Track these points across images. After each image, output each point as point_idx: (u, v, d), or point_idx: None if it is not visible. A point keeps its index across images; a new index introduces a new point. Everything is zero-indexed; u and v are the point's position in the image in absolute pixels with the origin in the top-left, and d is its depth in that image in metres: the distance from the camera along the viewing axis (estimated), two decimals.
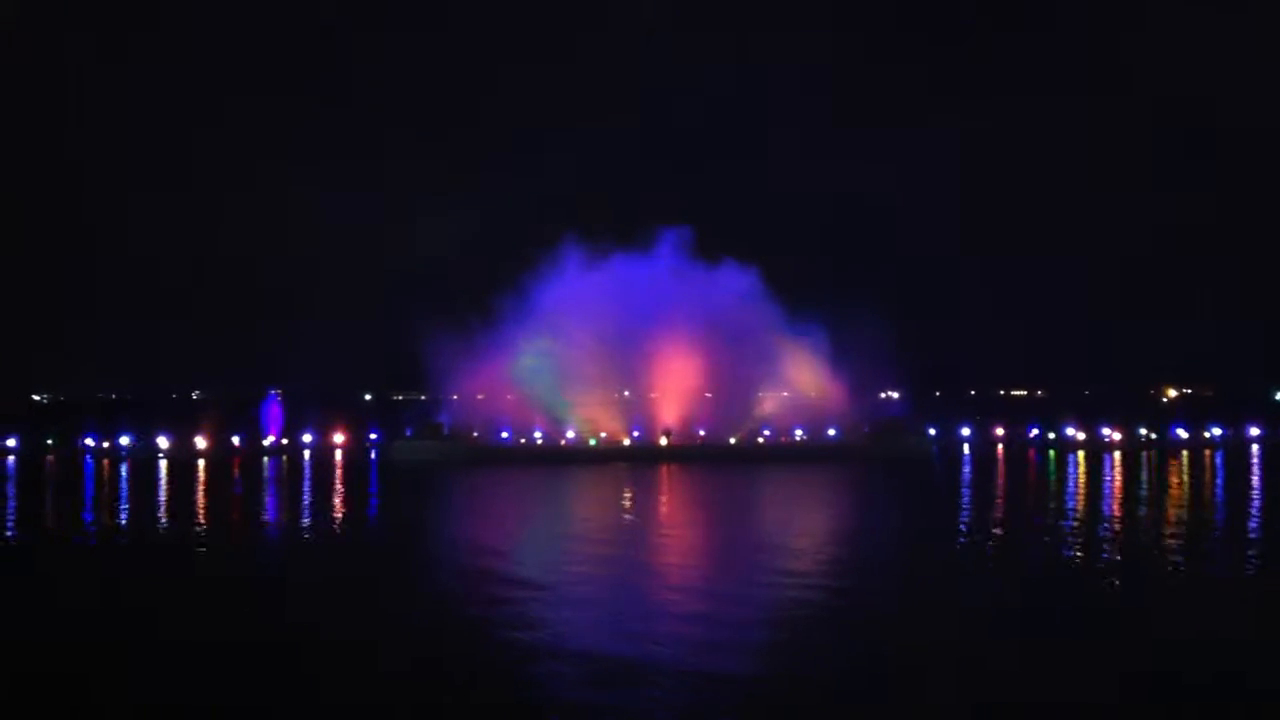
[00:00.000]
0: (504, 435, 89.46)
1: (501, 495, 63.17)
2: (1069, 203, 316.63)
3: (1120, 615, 29.07)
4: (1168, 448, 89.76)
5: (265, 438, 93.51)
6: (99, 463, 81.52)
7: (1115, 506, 53.10)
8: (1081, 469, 74.18)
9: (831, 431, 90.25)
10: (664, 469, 77.59)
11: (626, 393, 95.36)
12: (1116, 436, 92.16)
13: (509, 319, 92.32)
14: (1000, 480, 69.42)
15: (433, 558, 40.16)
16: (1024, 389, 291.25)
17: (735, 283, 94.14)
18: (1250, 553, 39.28)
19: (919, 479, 70.02)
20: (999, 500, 57.80)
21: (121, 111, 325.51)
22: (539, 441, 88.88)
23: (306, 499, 59.37)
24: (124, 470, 75.76)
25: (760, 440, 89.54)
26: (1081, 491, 60.85)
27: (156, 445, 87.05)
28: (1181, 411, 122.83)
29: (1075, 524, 46.67)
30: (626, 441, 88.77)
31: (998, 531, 45.30)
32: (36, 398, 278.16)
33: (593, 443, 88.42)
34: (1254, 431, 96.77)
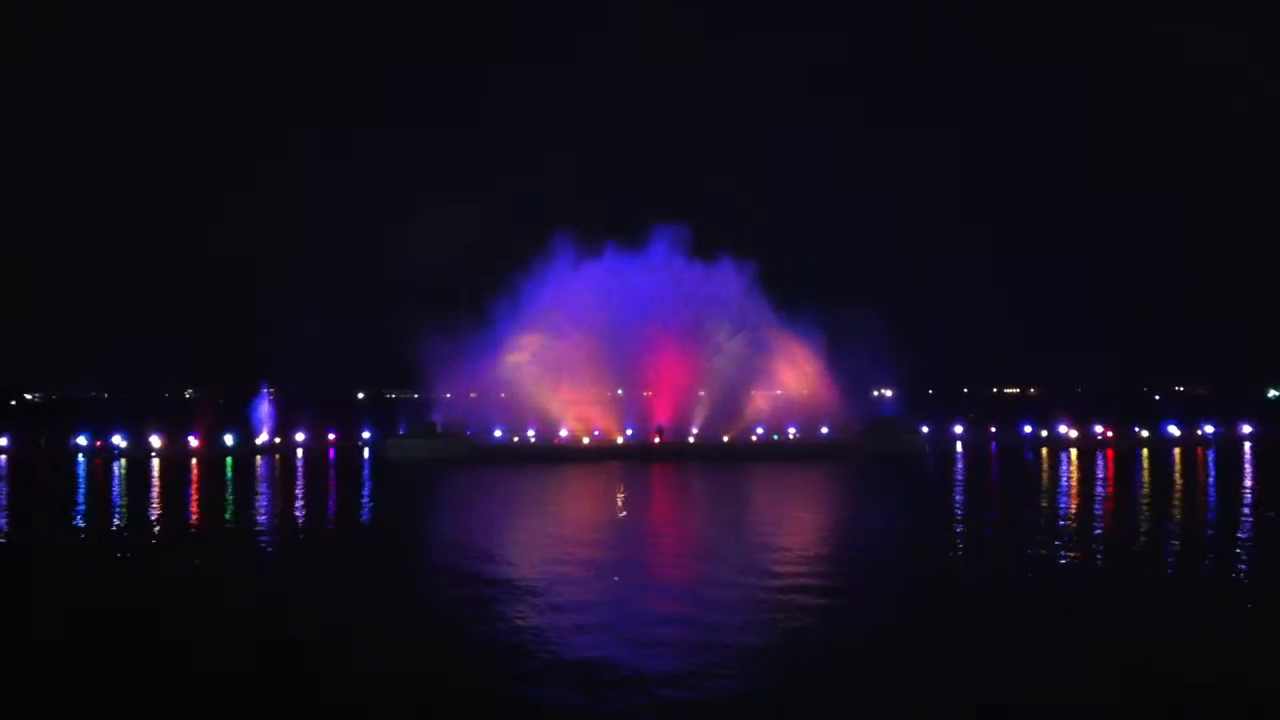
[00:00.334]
0: (497, 434, 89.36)
1: (492, 494, 62.95)
2: (1068, 203, 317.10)
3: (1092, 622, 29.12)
4: (1160, 445, 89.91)
5: (258, 436, 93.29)
6: (91, 462, 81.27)
7: (1104, 505, 53.18)
8: (1074, 467, 74.26)
9: (824, 430, 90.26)
10: (657, 467, 77.50)
11: (620, 391, 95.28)
12: (1109, 434, 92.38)
13: (502, 318, 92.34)
14: (991, 478, 69.50)
15: (415, 560, 39.73)
16: (1017, 387, 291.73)
17: (729, 281, 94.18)
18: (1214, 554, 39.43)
19: (909, 477, 70.07)
20: (987, 500, 57.86)
21: (121, 110, 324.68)
22: (532, 440, 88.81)
23: (295, 498, 59.26)
24: (116, 469, 75.57)
25: (753, 439, 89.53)
26: (1073, 490, 60.94)
27: (149, 444, 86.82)
28: (1174, 410, 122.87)
29: (1050, 524, 46.77)
30: (620, 440, 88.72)
31: (983, 533, 45.36)
32: (29, 397, 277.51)
33: (586, 441, 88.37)
34: (1246, 429, 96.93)
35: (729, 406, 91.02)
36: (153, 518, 51.05)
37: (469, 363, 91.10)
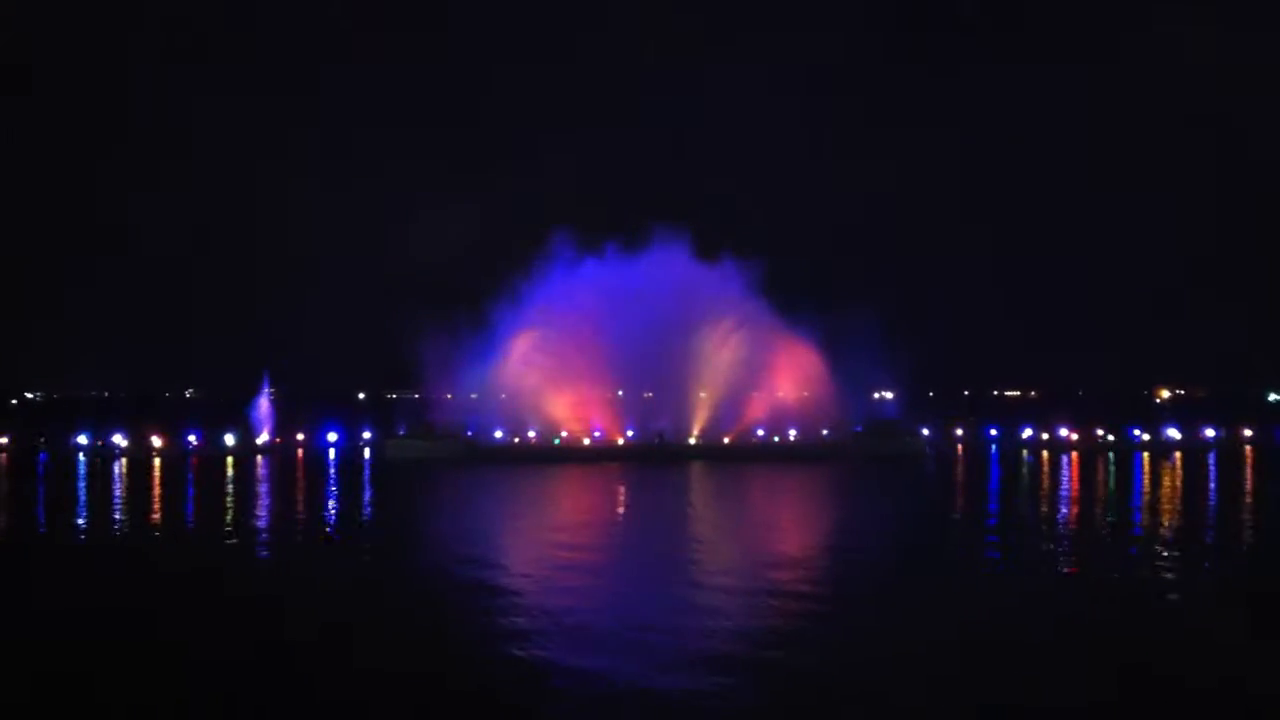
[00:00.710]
0: (497, 434, 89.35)
1: (490, 496, 62.84)
2: (1068, 202, 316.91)
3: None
4: (1160, 448, 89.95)
5: (258, 436, 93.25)
6: (91, 461, 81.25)
7: (1108, 509, 53.20)
8: (1074, 469, 74.28)
9: (824, 431, 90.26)
10: (657, 468, 77.45)
11: (620, 392, 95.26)
12: (1110, 437, 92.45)
13: (502, 318, 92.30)
14: (990, 482, 69.49)
15: (409, 563, 39.30)
16: (1017, 389, 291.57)
17: (730, 283, 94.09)
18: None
19: (909, 479, 70.09)
20: (986, 503, 57.88)
21: (121, 109, 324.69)
22: (532, 440, 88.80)
23: (294, 498, 59.32)
24: (116, 468, 75.58)
25: (754, 440, 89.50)
26: (1073, 494, 60.97)
27: (149, 443, 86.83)
28: (1175, 413, 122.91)
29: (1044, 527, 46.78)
30: (620, 441, 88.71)
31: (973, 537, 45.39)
32: (30, 395, 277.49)
33: (586, 442, 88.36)
34: (1247, 433, 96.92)
35: (729, 408, 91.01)
36: (139, 518, 51.09)
37: (469, 363, 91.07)
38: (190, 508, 56.05)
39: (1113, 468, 74.91)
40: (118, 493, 61.70)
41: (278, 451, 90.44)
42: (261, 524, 49.11)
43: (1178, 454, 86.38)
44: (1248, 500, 57.37)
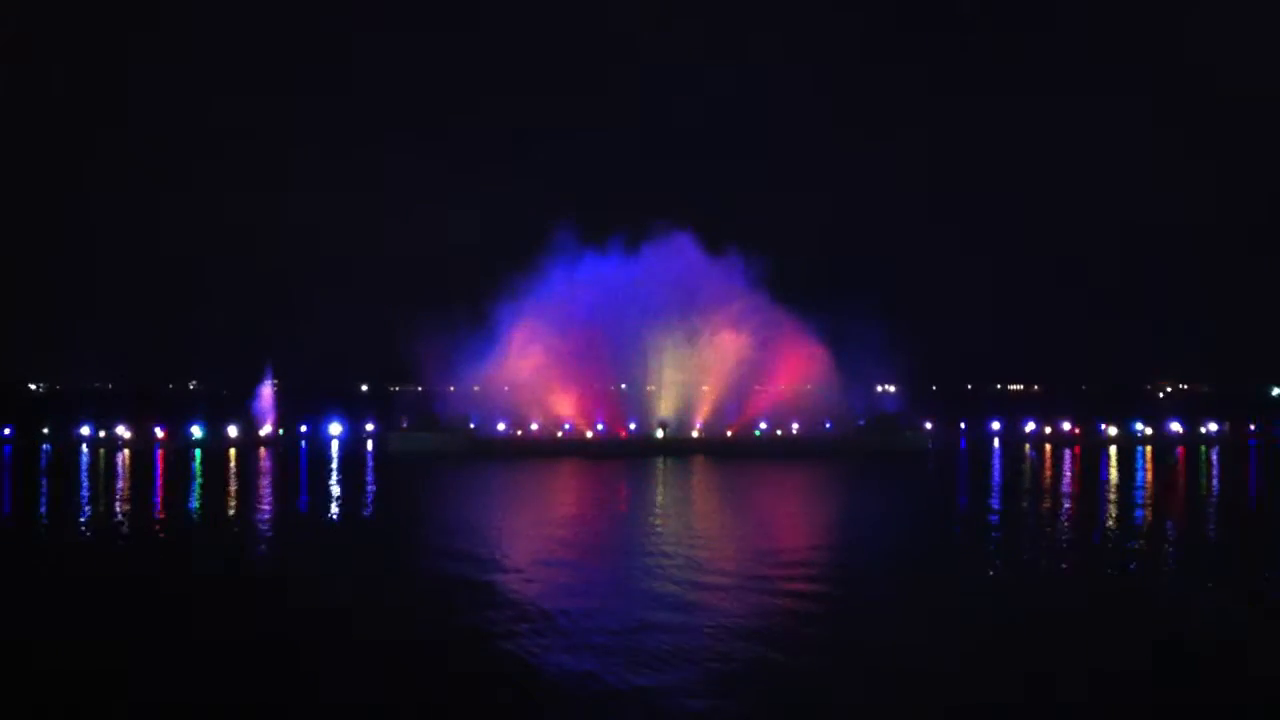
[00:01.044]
0: (500, 427, 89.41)
1: (489, 489, 62.94)
2: (1069, 199, 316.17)
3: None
4: (1163, 443, 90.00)
5: (262, 428, 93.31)
6: (94, 453, 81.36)
7: (1110, 505, 53.19)
8: (1076, 464, 74.27)
9: (827, 426, 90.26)
10: (660, 462, 77.59)
11: (623, 386, 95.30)
12: (1112, 432, 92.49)
13: (505, 312, 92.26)
14: (994, 476, 69.49)
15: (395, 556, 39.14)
16: (1021, 384, 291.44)
17: (733, 277, 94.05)
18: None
19: (912, 474, 70.09)
20: (988, 498, 57.87)
21: (121, 108, 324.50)
22: (536, 434, 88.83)
23: (290, 490, 59.43)
24: (119, 461, 75.70)
25: (756, 434, 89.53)
26: (1074, 489, 60.96)
27: (152, 435, 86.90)
28: (1178, 408, 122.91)
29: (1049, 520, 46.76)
30: (623, 434, 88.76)
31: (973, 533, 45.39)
32: (33, 387, 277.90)
33: (589, 436, 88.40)
34: (1250, 427, 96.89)
35: (732, 402, 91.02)
36: (131, 511, 51.22)
37: (472, 357, 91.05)
38: (193, 499, 56.08)
39: (1113, 462, 74.94)
40: (120, 486, 61.78)
41: (280, 444, 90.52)
42: (264, 515, 49.25)
43: (1180, 449, 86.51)
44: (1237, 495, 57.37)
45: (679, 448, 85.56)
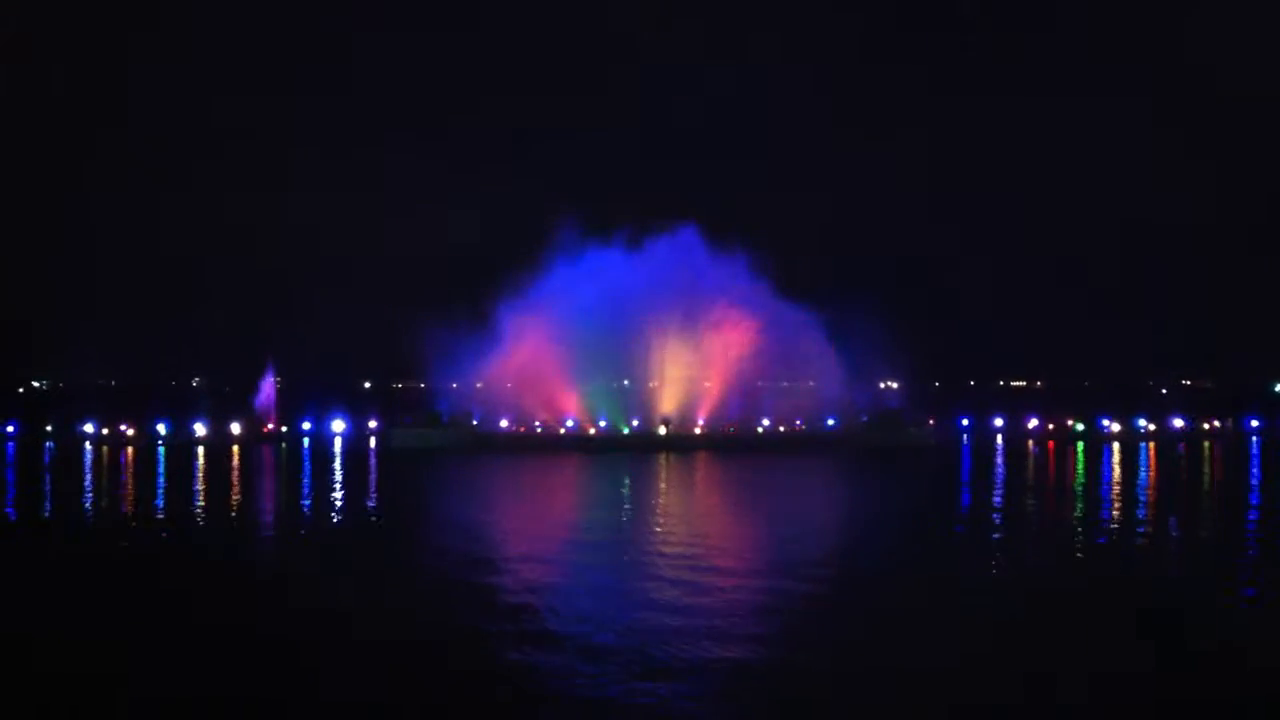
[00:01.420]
0: (503, 423, 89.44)
1: (493, 485, 63.05)
2: (1071, 196, 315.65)
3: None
4: (1166, 439, 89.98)
5: (265, 425, 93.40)
6: (97, 450, 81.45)
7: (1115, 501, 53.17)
8: (1080, 460, 74.21)
9: (830, 421, 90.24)
10: (662, 458, 77.62)
11: (626, 382, 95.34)
12: (1116, 428, 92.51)
13: (508, 308, 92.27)
14: (996, 472, 69.45)
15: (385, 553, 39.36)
16: (1023, 380, 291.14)
17: (736, 274, 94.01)
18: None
19: (914, 469, 70.04)
20: (989, 493, 57.85)
21: (122, 107, 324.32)
22: (538, 430, 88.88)
23: (298, 488, 59.48)
24: (122, 457, 75.79)
25: (759, 429, 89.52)
26: (1076, 484, 60.94)
27: (155, 432, 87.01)
28: (1181, 403, 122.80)
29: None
30: (626, 430, 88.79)
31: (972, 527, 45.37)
32: (36, 384, 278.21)
33: (592, 431, 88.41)
34: (1254, 423, 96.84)
35: (735, 398, 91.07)
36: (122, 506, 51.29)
37: (475, 353, 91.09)
38: (195, 496, 56.12)
39: (1116, 457, 74.91)
40: (123, 482, 61.87)
41: (283, 440, 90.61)
42: (265, 511, 49.35)
43: (1183, 444, 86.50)
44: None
45: (682, 444, 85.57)
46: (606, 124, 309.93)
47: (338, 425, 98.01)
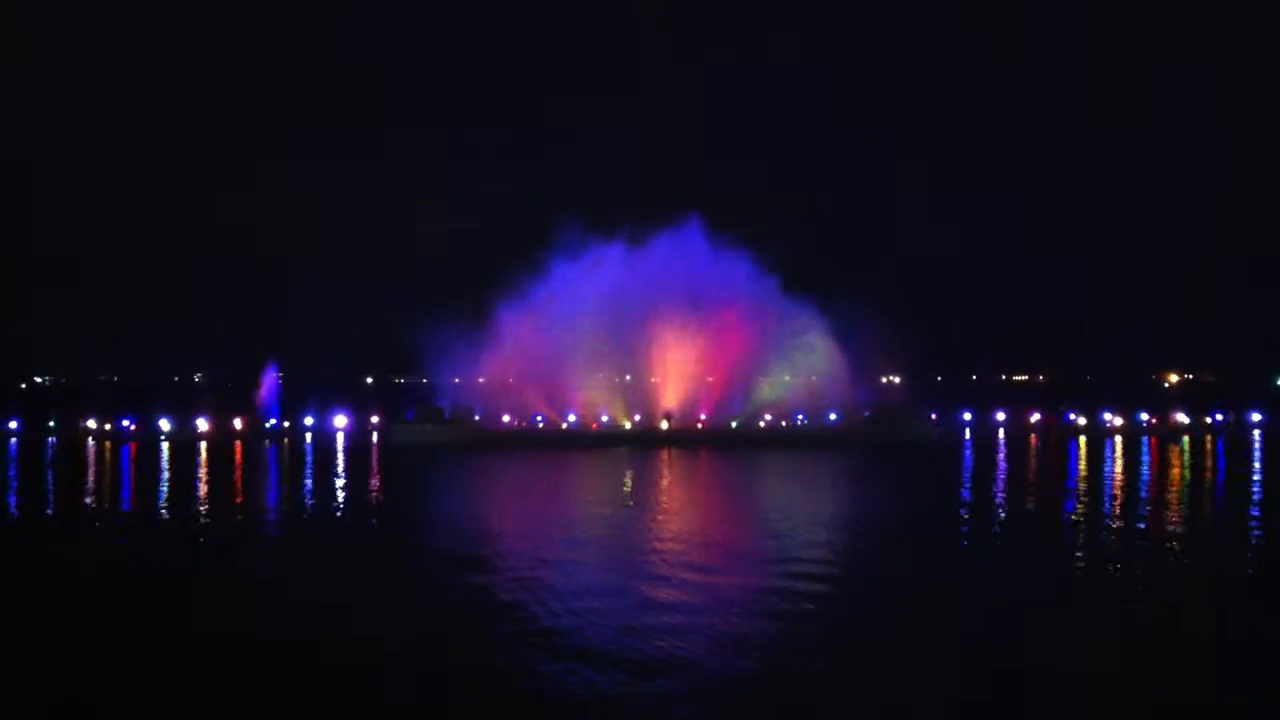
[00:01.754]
0: (505, 419, 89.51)
1: (499, 479, 63.20)
2: (1072, 193, 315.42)
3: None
4: (1169, 433, 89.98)
5: (267, 421, 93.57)
6: (100, 446, 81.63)
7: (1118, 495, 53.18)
8: (1082, 454, 74.20)
9: (832, 416, 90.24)
10: (664, 453, 77.69)
11: (628, 377, 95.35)
12: (1118, 422, 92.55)
13: (511, 303, 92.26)
14: (998, 467, 69.45)
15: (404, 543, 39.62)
16: (1026, 374, 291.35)
17: (737, 268, 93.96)
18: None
19: (917, 464, 70.03)
20: (992, 488, 57.85)
21: (123, 107, 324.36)
22: (540, 425, 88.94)
23: (301, 482, 59.55)
24: (125, 453, 75.92)
25: (761, 425, 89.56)
26: (1082, 477, 60.93)
27: (158, 428, 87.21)
28: (1183, 397, 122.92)
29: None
30: (628, 425, 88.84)
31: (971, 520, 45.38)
32: (38, 380, 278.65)
33: (594, 427, 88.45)
34: (1255, 417, 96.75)
35: (737, 393, 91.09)
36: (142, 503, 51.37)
37: (477, 348, 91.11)
38: (196, 491, 56.23)
39: (1118, 451, 74.91)
40: (126, 478, 61.99)
41: (285, 436, 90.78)
42: (266, 507, 49.44)
43: (1185, 437, 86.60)
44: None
45: (683, 439, 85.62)
46: (606, 124, 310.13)
47: (340, 421, 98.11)
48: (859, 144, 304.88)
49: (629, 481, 60.89)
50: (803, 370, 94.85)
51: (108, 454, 75.32)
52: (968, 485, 58.08)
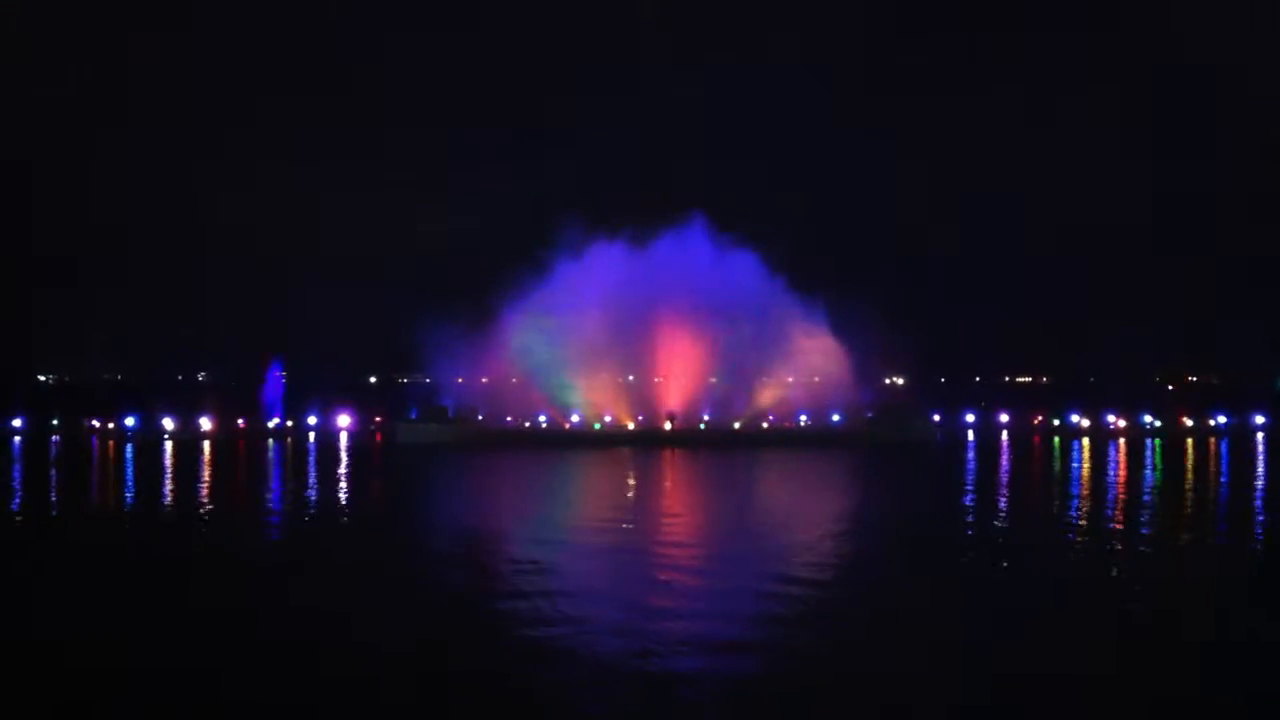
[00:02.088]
0: (508, 418, 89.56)
1: (502, 478, 63.29)
2: (1072, 193, 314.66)
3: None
4: (1172, 435, 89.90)
5: (270, 420, 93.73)
6: (104, 443, 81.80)
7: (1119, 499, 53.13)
8: (1085, 456, 74.13)
9: (835, 416, 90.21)
10: (667, 453, 77.75)
11: (631, 377, 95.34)
12: (1121, 424, 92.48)
13: (513, 303, 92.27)
14: (1001, 469, 69.41)
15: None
16: (1029, 375, 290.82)
17: (740, 268, 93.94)
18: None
19: (919, 465, 70.02)
20: (995, 490, 57.82)
21: (123, 107, 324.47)
22: (543, 425, 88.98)
23: (305, 480, 59.64)
24: (128, 451, 76.07)
25: (764, 425, 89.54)
26: (1084, 480, 60.88)
27: (161, 426, 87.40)
28: (1187, 399, 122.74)
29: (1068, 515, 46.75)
30: (631, 425, 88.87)
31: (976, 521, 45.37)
32: (42, 378, 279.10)
33: (597, 427, 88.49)
34: (1259, 420, 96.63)
35: (740, 393, 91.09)
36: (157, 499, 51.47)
37: (480, 348, 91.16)
38: (199, 488, 56.30)
39: (1120, 453, 74.87)
40: (130, 476, 62.11)
41: (289, 435, 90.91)
42: (268, 505, 49.55)
43: (1189, 440, 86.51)
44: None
45: (686, 439, 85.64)
46: (607, 124, 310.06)
47: (343, 420, 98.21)
48: (859, 144, 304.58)
49: (632, 481, 60.96)
50: (805, 371, 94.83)
51: (111, 452, 75.45)
52: (969, 487, 58.03)
